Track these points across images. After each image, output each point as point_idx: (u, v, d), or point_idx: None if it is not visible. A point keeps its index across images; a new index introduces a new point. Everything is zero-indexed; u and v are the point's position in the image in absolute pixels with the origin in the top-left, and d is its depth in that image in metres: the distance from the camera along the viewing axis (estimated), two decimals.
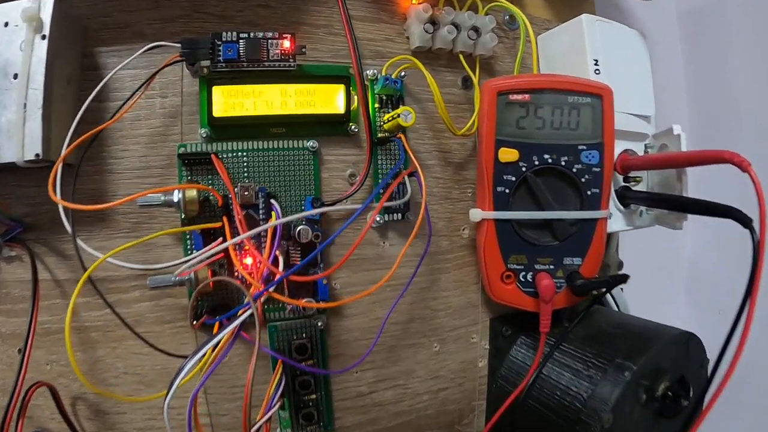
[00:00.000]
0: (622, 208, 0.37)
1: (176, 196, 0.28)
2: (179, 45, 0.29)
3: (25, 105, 0.26)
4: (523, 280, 0.34)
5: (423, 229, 0.34)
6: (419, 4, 0.35)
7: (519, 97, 0.33)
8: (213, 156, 0.30)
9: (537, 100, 0.33)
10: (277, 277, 0.28)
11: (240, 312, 0.26)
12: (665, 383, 0.31)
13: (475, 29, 0.36)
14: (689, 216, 0.34)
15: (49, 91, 0.27)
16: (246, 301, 0.27)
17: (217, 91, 0.31)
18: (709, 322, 0.60)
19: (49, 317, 0.30)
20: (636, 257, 0.46)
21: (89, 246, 0.28)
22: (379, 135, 0.35)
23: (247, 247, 0.30)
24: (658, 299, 0.51)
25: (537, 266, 0.34)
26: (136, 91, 0.29)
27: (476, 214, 0.34)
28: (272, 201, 0.31)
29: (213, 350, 0.26)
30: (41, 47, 0.26)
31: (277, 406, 0.29)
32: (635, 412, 0.30)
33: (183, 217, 0.30)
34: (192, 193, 0.29)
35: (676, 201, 0.34)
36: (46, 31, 0.26)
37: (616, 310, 0.46)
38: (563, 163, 0.33)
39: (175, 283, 0.28)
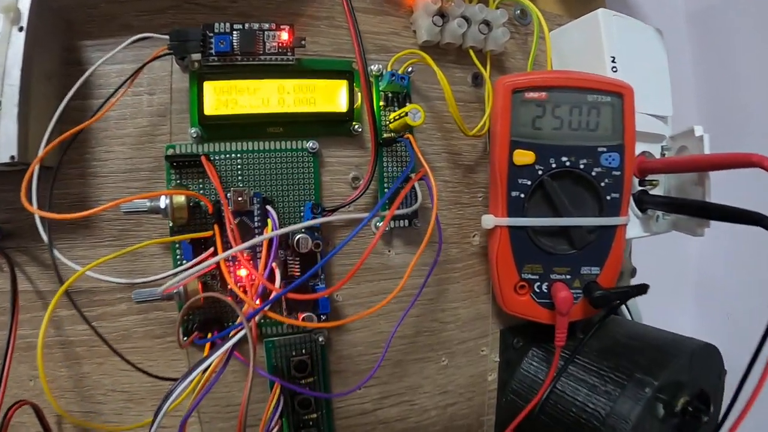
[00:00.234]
0: (639, 213, 0.36)
1: (163, 202, 0.26)
2: (167, 37, 0.27)
3: None
4: (538, 290, 0.33)
5: (432, 236, 0.32)
6: None
7: (535, 95, 0.31)
8: (203, 158, 0.28)
9: (555, 99, 0.31)
10: (273, 294, 0.26)
11: (232, 333, 0.24)
12: (685, 397, 0.30)
13: (486, 23, 0.34)
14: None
15: (27, 88, 0.25)
16: (239, 321, 0.25)
17: (208, 87, 0.29)
18: (717, 327, 0.60)
19: (32, 330, 0.28)
20: (643, 261, 0.45)
21: (71, 255, 0.26)
22: (385, 135, 0.33)
23: (239, 259, 0.28)
24: (666, 303, 0.50)
25: (553, 276, 0.33)
26: (120, 86, 0.27)
27: (489, 220, 0.32)
28: (268, 207, 0.29)
29: (204, 372, 0.24)
30: (18, 39, 0.25)
31: (275, 431, 0.27)
32: (654, 428, 0.29)
33: (171, 225, 0.28)
34: (180, 199, 0.27)
35: (700, 207, 0.32)
36: (24, 23, 0.25)
37: (629, 318, 0.45)
38: (582, 167, 0.32)
39: (162, 298, 0.26)
